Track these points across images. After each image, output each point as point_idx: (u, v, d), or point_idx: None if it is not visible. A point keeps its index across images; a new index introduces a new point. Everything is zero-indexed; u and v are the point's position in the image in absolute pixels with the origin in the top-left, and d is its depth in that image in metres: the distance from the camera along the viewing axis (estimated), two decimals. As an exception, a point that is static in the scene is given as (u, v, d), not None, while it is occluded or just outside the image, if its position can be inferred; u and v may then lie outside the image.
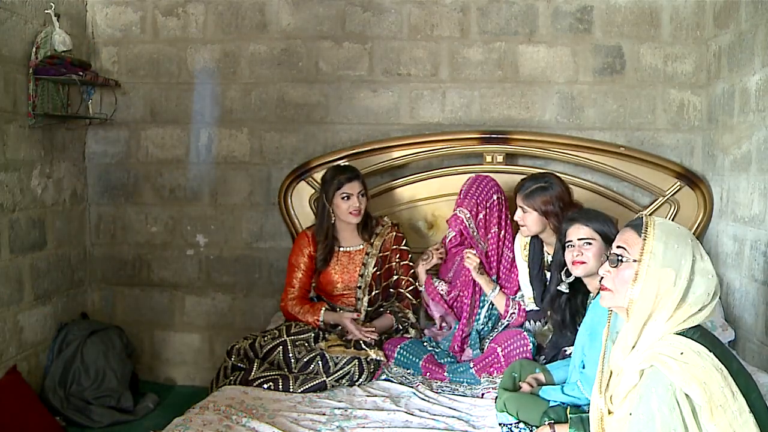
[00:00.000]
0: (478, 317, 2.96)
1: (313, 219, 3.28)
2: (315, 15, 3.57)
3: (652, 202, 3.39)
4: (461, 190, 2.98)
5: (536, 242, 2.84)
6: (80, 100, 3.55)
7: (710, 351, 1.56)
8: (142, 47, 3.67)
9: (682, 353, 1.54)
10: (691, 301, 1.59)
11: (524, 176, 2.92)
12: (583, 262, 2.31)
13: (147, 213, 3.73)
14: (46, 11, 3.22)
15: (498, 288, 2.94)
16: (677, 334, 1.59)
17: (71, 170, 3.60)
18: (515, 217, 2.82)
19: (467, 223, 2.88)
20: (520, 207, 2.77)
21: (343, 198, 2.99)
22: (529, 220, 2.75)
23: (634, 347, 1.63)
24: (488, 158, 3.42)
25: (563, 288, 2.42)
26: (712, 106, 3.34)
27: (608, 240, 2.23)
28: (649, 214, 3.18)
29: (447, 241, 2.98)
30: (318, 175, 3.35)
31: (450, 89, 3.55)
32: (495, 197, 2.94)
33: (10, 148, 3.06)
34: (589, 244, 2.31)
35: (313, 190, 3.44)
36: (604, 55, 3.47)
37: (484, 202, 2.92)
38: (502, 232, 2.96)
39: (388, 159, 3.47)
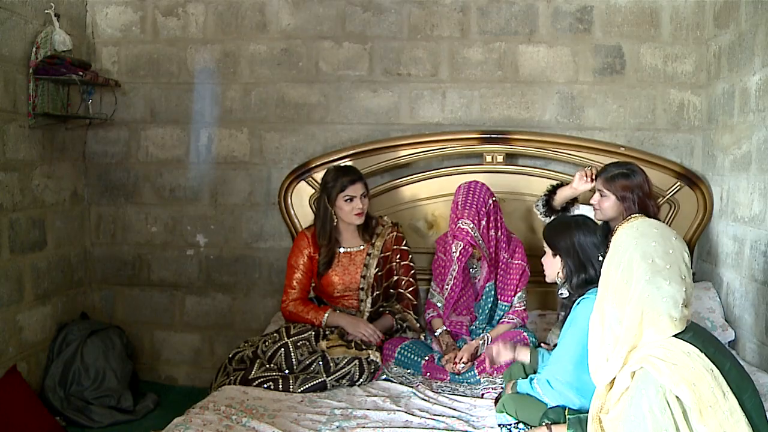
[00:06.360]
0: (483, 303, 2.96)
1: (312, 219, 3.27)
2: (315, 15, 3.57)
3: (652, 202, 3.38)
4: (456, 201, 2.90)
5: (605, 229, 2.80)
6: (80, 100, 3.55)
7: (702, 351, 1.57)
8: (142, 47, 3.67)
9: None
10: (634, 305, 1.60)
11: (609, 162, 2.89)
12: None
13: (147, 213, 3.73)
14: (46, 11, 3.22)
15: (486, 336, 2.88)
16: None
17: (71, 170, 3.60)
18: (591, 201, 2.80)
19: (473, 234, 2.83)
20: (599, 191, 2.76)
21: (346, 200, 2.96)
22: (605, 204, 2.73)
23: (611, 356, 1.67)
24: (488, 158, 3.43)
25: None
26: (712, 106, 3.34)
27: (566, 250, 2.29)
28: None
29: (458, 256, 2.84)
30: (318, 175, 3.35)
31: (450, 89, 3.55)
32: (491, 201, 2.92)
33: (10, 148, 3.07)
34: None
35: (313, 190, 3.43)
36: (604, 55, 3.47)
37: (483, 209, 2.87)
38: (498, 233, 2.94)
39: (387, 159, 3.47)
